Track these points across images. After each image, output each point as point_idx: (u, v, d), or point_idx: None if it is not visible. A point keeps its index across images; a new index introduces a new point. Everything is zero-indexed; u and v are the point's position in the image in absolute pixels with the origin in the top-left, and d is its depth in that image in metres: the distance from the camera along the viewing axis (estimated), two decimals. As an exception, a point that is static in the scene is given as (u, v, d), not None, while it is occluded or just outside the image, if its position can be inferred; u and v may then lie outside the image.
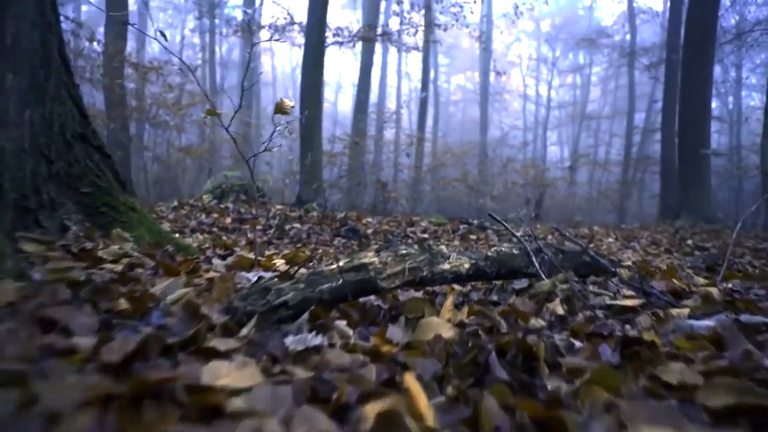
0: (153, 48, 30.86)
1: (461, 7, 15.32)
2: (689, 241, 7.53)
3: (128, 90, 15.10)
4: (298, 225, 5.92)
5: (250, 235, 5.47)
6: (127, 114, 14.48)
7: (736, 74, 29.76)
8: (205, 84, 22.92)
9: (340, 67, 39.54)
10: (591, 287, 2.16)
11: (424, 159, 20.41)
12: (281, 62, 39.36)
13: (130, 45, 23.09)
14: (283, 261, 2.51)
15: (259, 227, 5.80)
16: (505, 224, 2.26)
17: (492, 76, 32.11)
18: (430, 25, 15.34)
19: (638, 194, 24.06)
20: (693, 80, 12.77)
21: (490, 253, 1.87)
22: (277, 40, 14.11)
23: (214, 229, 5.58)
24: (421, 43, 16.37)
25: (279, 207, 6.82)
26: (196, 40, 29.33)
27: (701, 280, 2.68)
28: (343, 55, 38.00)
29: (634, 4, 26.88)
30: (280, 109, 2.58)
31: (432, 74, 32.58)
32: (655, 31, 28.51)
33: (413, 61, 36.02)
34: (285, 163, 20.12)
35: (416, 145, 18.11)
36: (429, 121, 31.95)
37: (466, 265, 1.77)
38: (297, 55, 40.72)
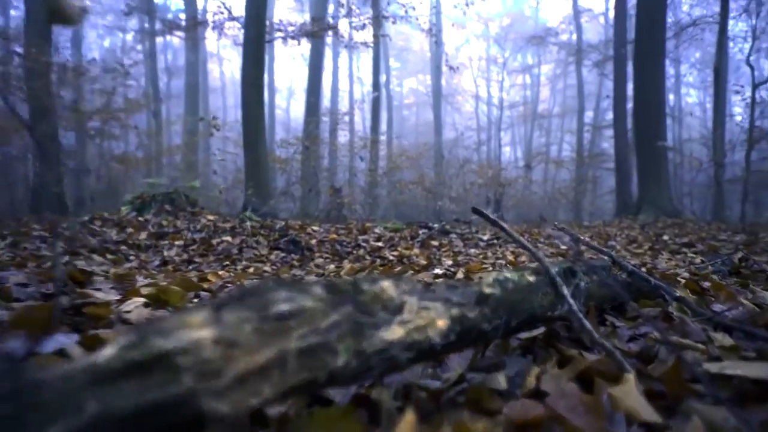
0: (94, 54, 29.13)
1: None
2: (665, 237, 6.84)
3: (57, 97, 13.75)
4: (229, 238, 4.91)
5: (167, 254, 4.44)
6: (55, 123, 13.10)
7: (675, 70, 29.95)
8: (146, 89, 21.50)
9: (292, 73, 38.44)
10: (650, 330, 1.27)
11: (380, 162, 19.54)
12: (230, 69, 37.95)
13: (67, 51, 21.54)
14: (137, 304, 1.52)
15: (180, 242, 4.77)
16: (519, 238, 1.27)
17: (444, 79, 31.67)
18: (378, 17, 14.45)
19: (593, 191, 23.75)
20: (646, 73, 12.28)
21: (488, 289, 0.88)
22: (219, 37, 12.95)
23: (123, 247, 4.52)
24: (370, 38, 15.42)
25: (210, 217, 5.79)
26: (140, 46, 27.76)
27: None
28: (294, 61, 36.91)
29: (579, 4, 26.73)
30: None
31: (384, 78, 31.80)
32: (598, 31, 28.51)
33: (365, 65, 35.28)
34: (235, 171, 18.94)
35: (370, 148, 17.19)
36: (383, 125, 31.16)
37: (441, 323, 0.79)
38: (246, 62, 39.45)
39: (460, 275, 2.37)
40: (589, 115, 28.85)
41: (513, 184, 18.49)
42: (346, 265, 4.24)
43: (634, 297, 1.51)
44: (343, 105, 32.49)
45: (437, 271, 2.58)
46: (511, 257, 4.68)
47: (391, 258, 4.54)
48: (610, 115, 29.07)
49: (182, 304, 1.60)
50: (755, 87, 15.66)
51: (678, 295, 1.40)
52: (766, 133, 17.43)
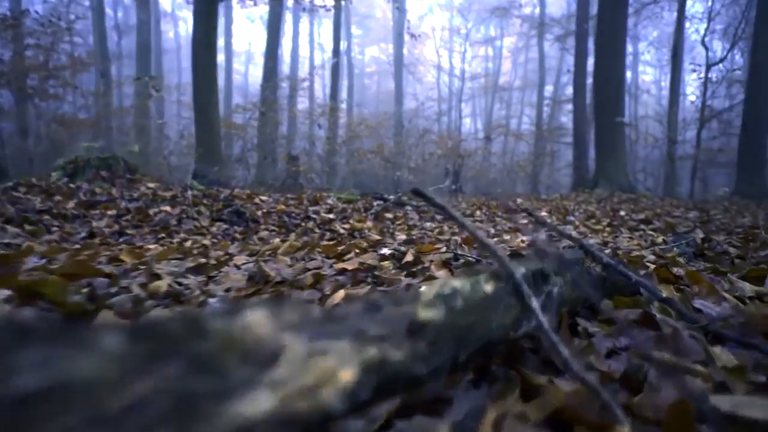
0: (36, 8, 27.36)
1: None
2: (622, 212, 6.75)
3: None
4: (168, 208, 4.52)
5: (96, 224, 4.03)
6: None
7: (633, 48, 30.15)
8: (94, 48, 20.32)
9: (250, 37, 37.17)
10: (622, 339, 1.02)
11: (339, 131, 19.08)
12: (185, 29, 36.38)
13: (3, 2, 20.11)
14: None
15: (112, 212, 4.36)
16: (468, 226, 0.97)
17: (406, 48, 31.10)
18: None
19: (551, 164, 23.86)
20: (607, 49, 12.16)
21: (426, 313, 0.56)
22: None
23: (46, 217, 4.09)
24: (330, 2, 14.81)
25: (151, 185, 5.35)
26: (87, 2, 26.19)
27: (747, 286, 1.62)
28: (253, 24, 35.65)
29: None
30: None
31: (345, 45, 31.07)
32: (561, 5, 28.34)
33: (326, 31, 34.31)
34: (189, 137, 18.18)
35: (329, 115, 16.71)
36: (343, 93, 30.53)
37: (347, 375, 0.48)
38: (203, 24, 37.88)
39: (409, 257, 2.09)
40: (548, 89, 28.89)
41: (472, 155, 18.31)
42: (291, 238, 3.93)
43: (608, 293, 1.26)
44: (303, 71, 31.55)
45: (385, 251, 2.30)
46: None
47: (342, 231, 4.25)
48: (569, 90, 29.23)
49: (62, 299, 1.27)
50: (709, 67, 15.83)
51: (664, 295, 1.15)
52: (717, 112, 17.73)
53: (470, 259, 2.12)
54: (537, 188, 22.01)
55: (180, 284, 1.64)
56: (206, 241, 3.80)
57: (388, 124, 21.31)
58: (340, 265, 1.95)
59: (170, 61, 30.89)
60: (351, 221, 4.71)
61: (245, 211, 4.48)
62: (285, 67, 31.00)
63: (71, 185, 5.13)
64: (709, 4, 17.95)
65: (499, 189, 17.18)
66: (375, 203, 5.62)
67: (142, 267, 1.89)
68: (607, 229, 4.68)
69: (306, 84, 19.09)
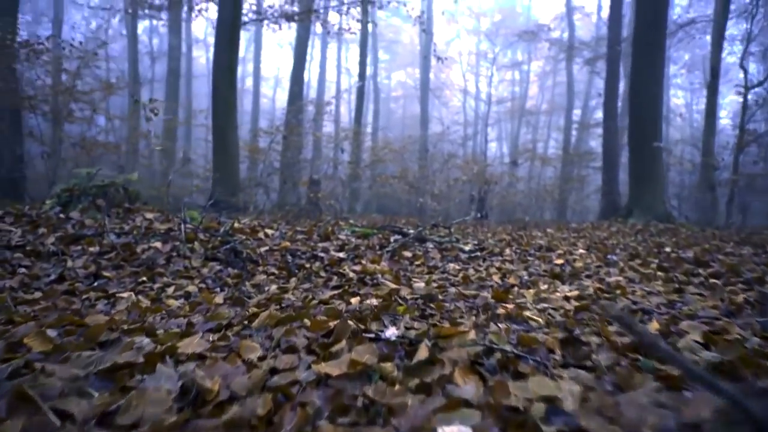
0: (76, 36, 27.69)
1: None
2: (667, 248, 5.98)
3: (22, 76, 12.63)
4: (158, 244, 3.95)
5: (71, 264, 3.48)
6: (19, 103, 11.98)
7: (665, 71, 29.15)
8: (125, 73, 20.32)
9: (278, 62, 37.22)
10: None
11: (363, 155, 18.57)
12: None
13: (45, 28, 20.24)
14: None
15: (94, 248, 3.80)
16: None
17: (432, 73, 30.66)
18: (365, 1, 13.42)
19: (579, 190, 22.93)
20: (643, 71, 11.41)
21: None
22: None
23: (17, 254, 3.55)
24: (356, 25, 14.40)
25: (149, 216, 4.82)
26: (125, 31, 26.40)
27: None
28: (281, 50, 35.69)
29: (571, 2, 25.83)
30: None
31: (371, 70, 30.83)
32: (589, 29, 27.66)
33: (353, 57, 34.10)
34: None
35: (353, 140, 16.21)
36: (369, 118, 30.18)
37: None
38: (233, 49, 38.06)
39: (423, 353, 1.44)
40: (576, 113, 28.08)
41: (499, 181, 17.58)
42: (292, 284, 3.32)
43: None
44: (330, 96, 31.43)
45: (391, 333, 1.65)
46: (497, 277, 3.79)
47: (351, 275, 3.62)
48: (598, 114, 28.36)
49: None
50: (747, 89, 14.95)
51: None
52: (758, 135, 16.73)
53: (510, 353, 1.47)
54: (565, 214, 21.13)
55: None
56: (193, 287, 3.22)
57: (413, 148, 20.75)
58: (322, 368, 1.31)
59: (201, 85, 30.95)
60: (363, 261, 4.07)
61: (244, 249, 3.89)
62: (312, 92, 30.84)
63: (62, 216, 4.61)
64: (747, 26, 17.09)
65: (525, 215, 16.36)
66: (393, 239, 4.98)
67: (41, 357, 1.29)
68: (659, 274, 3.96)
69: (330, 107, 18.66)
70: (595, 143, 25.99)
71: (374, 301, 2.63)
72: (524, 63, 32.11)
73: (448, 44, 35.58)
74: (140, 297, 2.94)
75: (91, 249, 3.80)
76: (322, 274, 3.67)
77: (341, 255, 4.17)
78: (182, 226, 3.93)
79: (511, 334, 1.73)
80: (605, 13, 21.50)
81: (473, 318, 2.14)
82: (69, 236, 4.03)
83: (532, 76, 33.41)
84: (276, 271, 3.68)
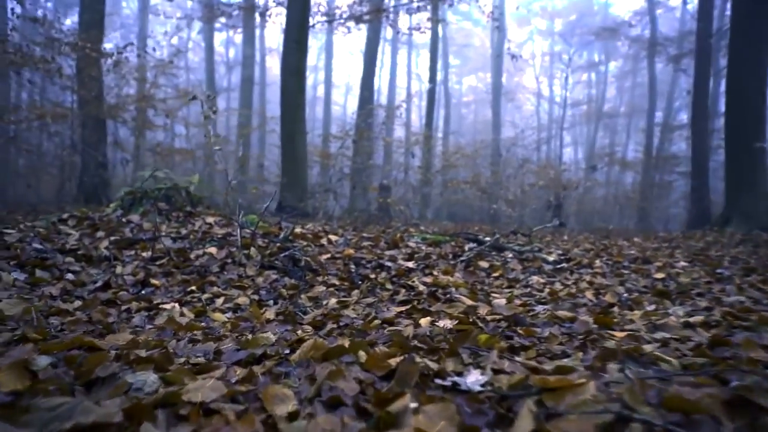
0: (162, 52, 28.88)
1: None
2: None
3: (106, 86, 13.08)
4: (213, 249, 3.66)
5: (120, 270, 3.22)
6: (103, 112, 12.36)
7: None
8: (202, 83, 20.86)
9: (349, 69, 37.36)
10: None
11: (434, 160, 18.09)
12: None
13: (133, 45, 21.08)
14: None
15: (147, 254, 3.55)
16: None
17: (504, 77, 29.74)
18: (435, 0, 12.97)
19: (664, 197, 21.39)
20: (743, 64, 10.28)
21: None
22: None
23: (69, 259, 3.34)
24: (425, 24, 13.96)
25: (210, 220, 4.56)
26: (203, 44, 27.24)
27: None
28: (352, 57, 35.80)
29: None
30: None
31: (441, 75, 30.31)
32: (673, 25, 25.91)
33: (423, 63, 33.69)
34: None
35: (424, 144, 15.75)
36: (439, 123, 29.65)
37: None
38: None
39: (527, 424, 0.97)
40: (658, 115, 26.36)
41: (576, 186, 16.59)
42: (354, 298, 2.91)
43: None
44: (400, 100, 31.10)
45: (475, 380, 1.19)
46: (590, 293, 3.24)
47: (421, 288, 3.17)
48: (682, 116, 26.53)
49: None
50: None
51: None
52: None
53: (659, 427, 0.98)
54: (647, 222, 19.72)
55: None
56: (244, 298, 2.87)
57: (485, 153, 20.06)
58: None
59: (274, 93, 31.48)
60: (435, 272, 3.61)
61: (303, 257, 3.52)
62: (382, 98, 30.66)
63: (123, 219, 4.43)
64: None
65: (603, 223, 15.34)
66: (467, 247, 4.48)
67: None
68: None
69: (401, 110, 18.31)
70: (679, 147, 24.29)
71: (448, 323, 2.16)
72: (601, 63, 30.59)
73: (521, 46, 34.48)
74: (185, 309, 2.62)
75: (144, 254, 3.55)
76: (389, 286, 3.24)
77: (410, 265, 3.72)
78: (239, 230, 3.61)
79: (647, 389, 1.21)
80: (692, 5, 20.06)
81: (580, 354, 1.63)
82: (124, 240, 3.81)
83: (610, 77, 31.76)
84: (337, 282, 3.28)
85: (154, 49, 12.77)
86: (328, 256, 3.76)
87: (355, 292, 3.05)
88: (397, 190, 13.99)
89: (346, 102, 37.03)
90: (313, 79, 36.58)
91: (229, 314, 2.57)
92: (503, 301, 2.81)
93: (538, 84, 33.54)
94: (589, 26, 26.73)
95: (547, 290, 3.30)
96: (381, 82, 33.00)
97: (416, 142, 15.58)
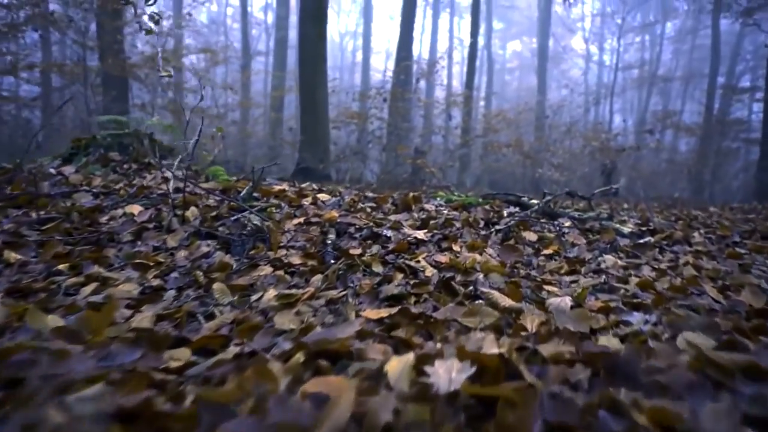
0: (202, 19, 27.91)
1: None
2: None
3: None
4: (137, 208, 2.48)
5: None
6: (126, 71, 11.42)
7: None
8: (236, 44, 19.80)
9: (389, 35, 35.58)
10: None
11: (474, 124, 16.53)
12: (329, 32, 35.79)
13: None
14: None
15: (40, 214, 2.39)
16: None
17: (551, 42, 27.44)
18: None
19: (722, 165, 19.15)
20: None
21: None
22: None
23: None
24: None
25: (170, 175, 3.40)
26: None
27: None
28: (392, 22, 33.96)
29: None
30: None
31: (483, 40, 28.31)
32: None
33: (465, 27, 31.52)
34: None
35: (464, 105, 14.19)
36: (482, 88, 27.82)
37: None
38: (346, 23, 37.00)
39: None
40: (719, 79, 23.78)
41: (637, 148, 14.71)
42: (311, 289, 1.68)
43: None
44: (443, 70, 29.27)
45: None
46: (710, 287, 1.91)
47: (430, 272, 1.93)
48: (744, 80, 23.95)
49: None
50: None
51: None
52: None
53: None
54: (702, 192, 17.66)
55: None
56: (130, 286, 1.69)
57: (529, 118, 18.31)
58: None
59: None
60: (456, 246, 2.33)
61: (259, 223, 2.30)
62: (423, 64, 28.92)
63: (52, 171, 3.31)
64: None
65: (657, 192, 13.59)
66: (506, 212, 3.17)
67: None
68: None
69: (439, 69, 16.70)
70: (741, 113, 21.83)
71: (458, 370, 0.89)
72: (657, 23, 27.92)
73: (569, 8, 31.89)
74: (22, 302, 1.47)
75: (35, 214, 2.40)
76: (378, 268, 1.98)
77: (420, 235, 2.45)
78: (169, 184, 2.41)
79: None
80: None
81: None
82: (25, 197, 2.67)
83: (666, 39, 29.01)
84: (298, 260, 2.04)
85: (190, 15, 11.70)
86: (299, 221, 2.53)
87: (317, 277, 1.82)
88: (433, 154, 12.61)
89: (386, 69, 35.38)
90: (352, 45, 35.03)
91: (76, 316, 1.38)
92: (567, 302, 1.52)
93: (587, 47, 31.02)
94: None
95: (634, 279, 1.99)
96: (422, 47, 31.24)
97: (454, 103, 14.04)
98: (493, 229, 2.76)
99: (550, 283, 1.92)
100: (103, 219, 2.42)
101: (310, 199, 3.05)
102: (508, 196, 3.64)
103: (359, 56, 31.79)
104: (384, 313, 1.44)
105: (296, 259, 2.03)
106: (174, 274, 1.85)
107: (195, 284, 1.76)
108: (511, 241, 2.64)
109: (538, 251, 2.49)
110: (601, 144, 13.34)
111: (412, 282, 1.81)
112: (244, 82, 18.77)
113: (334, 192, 3.56)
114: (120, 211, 2.49)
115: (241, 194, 2.75)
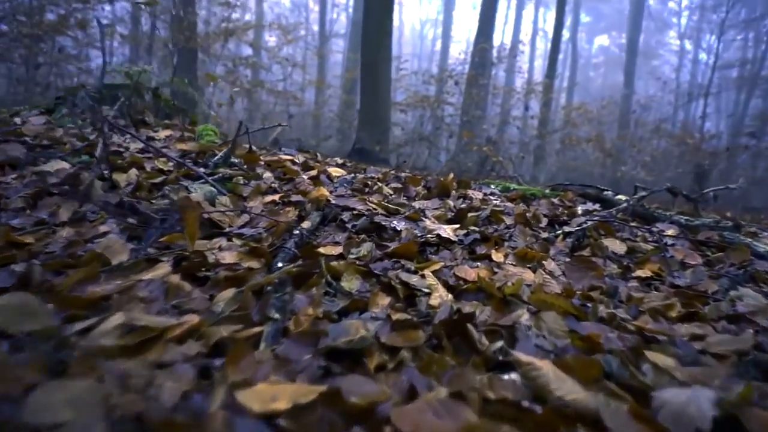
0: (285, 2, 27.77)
1: None
2: None
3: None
4: (59, 165, 1.77)
5: None
6: (195, 43, 11.04)
7: None
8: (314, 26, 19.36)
9: (470, 24, 34.13)
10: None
11: (552, 116, 15.13)
12: (410, 19, 34.93)
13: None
14: None
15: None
16: None
17: (642, 38, 25.11)
18: None
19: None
20: None
21: None
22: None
23: None
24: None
25: (164, 134, 2.71)
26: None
27: None
28: (474, 12, 32.48)
29: None
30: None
31: (568, 34, 26.47)
32: None
33: (551, 19, 29.49)
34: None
35: (543, 95, 12.89)
36: (564, 83, 26.03)
37: None
38: (427, 11, 35.78)
39: None
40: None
41: (728, 156, 12.88)
42: (204, 312, 0.84)
43: None
44: (523, 59, 27.56)
45: None
46: None
47: (435, 301, 1.05)
48: None
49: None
50: None
51: None
52: None
53: None
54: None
55: None
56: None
57: (613, 114, 16.63)
58: None
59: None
60: (498, 254, 1.45)
61: (205, 197, 1.52)
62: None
63: (17, 120, 2.69)
64: None
65: (748, 202, 11.79)
66: (580, 209, 2.22)
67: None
68: None
69: (520, 52, 15.40)
70: None
71: None
72: (765, 17, 24.91)
73: (664, 2, 29.25)
74: None
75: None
76: (351, 283, 1.14)
77: (447, 231, 1.58)
78: (102, 139, 1.67)
79: None
80: None
81: None
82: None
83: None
84: (232, 259, 1.23)
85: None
86: (273, 199, 1.72)
87: (227, 295, 1.00)
88: (506, 146, 11.49)
89: (463, 53, 34.02)
90: (432, 33, 33.87)
91: None
92: (703, 407, 0.59)
93: (682, 44, 28.26)
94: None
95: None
96: (504, 37, 29.63)
97: (533, 92, 12.77)
98: (560, 231, 1.84)
99: (653, 339, 1.01)
100: (11, 177, 1.73)
101: (315, 172, 2.24)
102: (586, 189, 2.67)
103: (438, 45, 30.65)
104: (287, 400, 0.62)
105: (230, 257, 1.23)
106: (17, 266, 1.09)
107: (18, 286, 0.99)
108: (586, 252, 1.71)
109: (627, 271, 1.55)
110: (694, 144, 11.67)
111: (396, 317, 0.96)
112: (320, 63, 18.27)
113: (358, 170, 2.73)
114: (45, 169, 1.79)
115: (214, 159, 1.99)
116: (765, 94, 24.10)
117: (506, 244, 1.64)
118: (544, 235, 1.82)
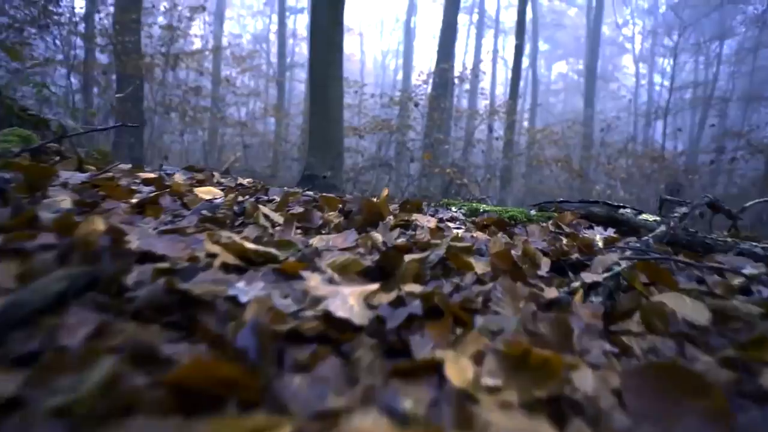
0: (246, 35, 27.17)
1: None
2: None
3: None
4: None
5: None
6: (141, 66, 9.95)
7: None
8: (273, 57, 18.63)
9: (432, 54, 34.11)
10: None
11: (517, 138, 14.53)
12: (372, 51, 34.67)
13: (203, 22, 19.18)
14: None
15: None
16: None
17: (599, 63, 25.19)
18: None
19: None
20: None
21: None
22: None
23: None
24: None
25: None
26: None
27: None
28: (435, 41, 32.43)
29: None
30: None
31: (528, 60, 26.45)
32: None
33: (510, 47, 29.48)
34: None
35: (507, 117, 12.26)
36: (526, 102, 25.84)
37: None
38: (388, 42, 35.54)
39: None
40: None
41: (699, 171, 12.40)
42: None
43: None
44: (485, 85, 27.31)
45: None
46: None
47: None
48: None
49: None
50: None
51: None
52: None
53: None
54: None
55: None
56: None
57: (576, 137, 16.17)
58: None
59: (352, 74, 29.07)
60: (458, 366, 0.55)
61: None
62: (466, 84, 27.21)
63: None
64: None
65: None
66: (598, 237, 1.35)
67: None
68: None
69: (482, 72, 14.92)
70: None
71: None
72: (714, 40, 25.32)
73: (620, 27, 29.61)
74: None
75: None
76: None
77: (351, 306, 0.69)
78: None
79: None
80: None
81: None
82: None
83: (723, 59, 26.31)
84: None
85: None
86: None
87: None
88: (471, 170, 10.78)
89: (422, 74, 33.83)
90: (394, 63, 33.59)
91: None
92: None
93: (637, 68, 28.53)
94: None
95: None
96: (465, 63, 29.49)
97: (496, 113, 12.15)
98: (577, 284, 0.96)
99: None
100: None
101: (158, 193, 1.32)
102: (590, 207, 1.81)
103: (400, 75, 30.32)
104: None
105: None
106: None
107: None
108: (633, 322, 0.83)
109: (750, 378, 0.67)
110: (663, 163, 11.14)
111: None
112: (280, 92, 17.48)
113: (259, 190, 1.82)
114: None
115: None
116: (721, 114, 24.29)
117: (478, 323, 0.74)
118: (550, 292, 0.93)
